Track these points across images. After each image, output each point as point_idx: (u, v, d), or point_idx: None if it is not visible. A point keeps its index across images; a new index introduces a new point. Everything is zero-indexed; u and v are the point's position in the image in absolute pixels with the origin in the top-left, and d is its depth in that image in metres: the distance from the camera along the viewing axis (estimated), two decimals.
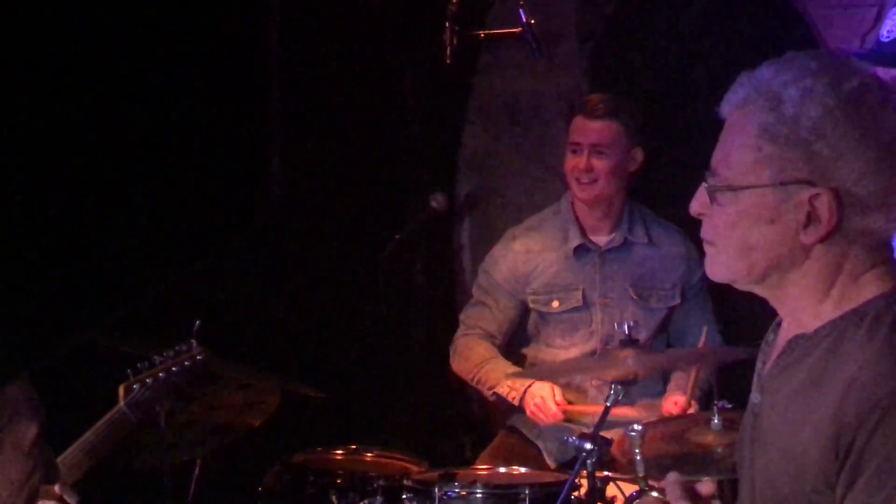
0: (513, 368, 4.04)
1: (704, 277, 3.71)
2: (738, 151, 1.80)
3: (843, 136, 1.73)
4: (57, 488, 2.56)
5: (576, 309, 4.05)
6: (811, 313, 1.83)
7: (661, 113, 4.68)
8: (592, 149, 3.96)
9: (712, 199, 1.84)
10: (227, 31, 4.31)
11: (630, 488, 3.26)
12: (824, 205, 1.75)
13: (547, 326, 4.11)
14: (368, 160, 4.75)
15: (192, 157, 4.13)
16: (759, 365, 1.96)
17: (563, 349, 4.07)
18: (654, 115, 4.62)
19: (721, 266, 1.87)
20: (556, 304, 4.07)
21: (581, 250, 4.07)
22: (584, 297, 4.04)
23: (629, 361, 3.11)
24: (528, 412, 3.91)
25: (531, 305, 4.10)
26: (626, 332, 3.13)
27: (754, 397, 1.91)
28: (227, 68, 4.27)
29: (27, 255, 3.64)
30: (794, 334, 1.85)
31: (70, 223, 3.81)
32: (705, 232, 1.88)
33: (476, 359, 4.08)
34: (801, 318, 1.85)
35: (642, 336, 3.87)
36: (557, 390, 3.89)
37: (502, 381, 3.98)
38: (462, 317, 4.23)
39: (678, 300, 4.06)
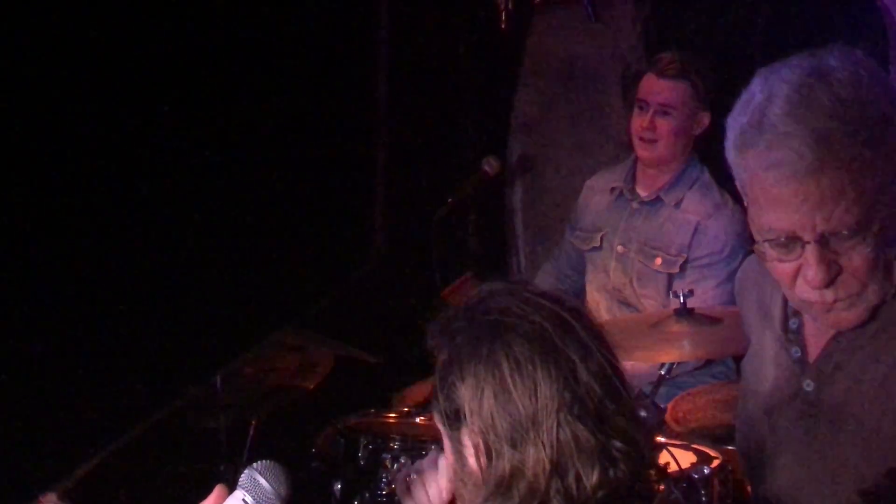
0: None
1: (713, 255, 3.71)
2: (858, 189, 1.69)
3: None
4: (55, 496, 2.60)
5: (595, 249, 4.11)
6: None
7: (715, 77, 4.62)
8: (658, 108, 3.94)
9: (851, 254, 1.71)
10: None
11: (683, 455, 3.24)
12: None
13: (586, 266, 4.21)
14: (421, 123, 4.74)
15: None
16: (791, 350, 1.93)
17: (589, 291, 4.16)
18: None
19: (869, 310, 1.79)
20: (586, 243, 4.17)
21: (617, 194, 4.08)
22: (602, 240, 4.09)
23: (685, 345, 3.04)
24: None
25: (573, 241, 4.21)
26: (682, 300, 3.01)
27: (806, 384, 1.89)
28: None
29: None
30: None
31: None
32: (846, 289, 1.75)
33: None
34: None
35: (649, 292, 3.90)
36: None
37: None
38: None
39: (677, 270, 3.90)
